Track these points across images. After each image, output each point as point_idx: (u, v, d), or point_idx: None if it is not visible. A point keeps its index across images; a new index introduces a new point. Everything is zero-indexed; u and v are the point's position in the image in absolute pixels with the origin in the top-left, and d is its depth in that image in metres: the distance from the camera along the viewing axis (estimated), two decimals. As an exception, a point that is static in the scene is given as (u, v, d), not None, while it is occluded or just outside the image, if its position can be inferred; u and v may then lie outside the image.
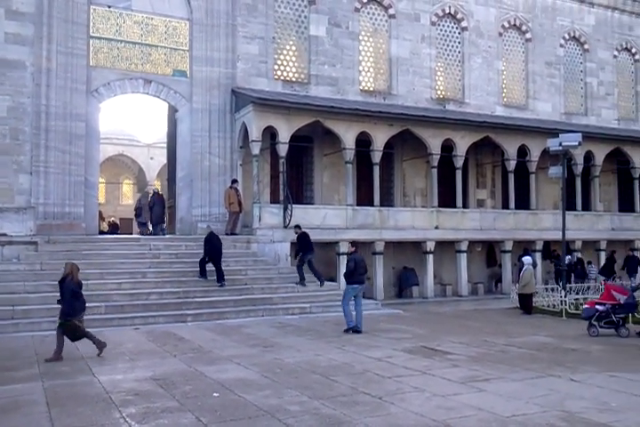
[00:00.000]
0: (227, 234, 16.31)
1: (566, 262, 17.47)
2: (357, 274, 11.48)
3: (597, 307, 11.11)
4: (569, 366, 8.35)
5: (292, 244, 16.30)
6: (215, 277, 14.16)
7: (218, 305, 13.42)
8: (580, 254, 21.29)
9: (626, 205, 24.21)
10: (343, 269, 17.14)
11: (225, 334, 11.16)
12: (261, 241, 16.30)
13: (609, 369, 8.11)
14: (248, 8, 18.40)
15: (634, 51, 26.48)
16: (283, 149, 16.85)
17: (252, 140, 16.59)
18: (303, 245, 15.20)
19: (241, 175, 17.82)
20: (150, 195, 19.29)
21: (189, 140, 17.67)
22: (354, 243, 12.62)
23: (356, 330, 11.32)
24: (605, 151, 22.35)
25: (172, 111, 18.59)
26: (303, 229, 15.43)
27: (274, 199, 17.88)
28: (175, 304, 13.04)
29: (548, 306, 15.07)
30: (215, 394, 6.76)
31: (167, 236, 17.55)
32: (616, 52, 25.99)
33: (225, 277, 14.16)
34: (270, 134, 17.33)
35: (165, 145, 22.47)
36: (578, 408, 6.15)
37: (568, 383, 7.33)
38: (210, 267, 14.25)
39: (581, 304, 13.95)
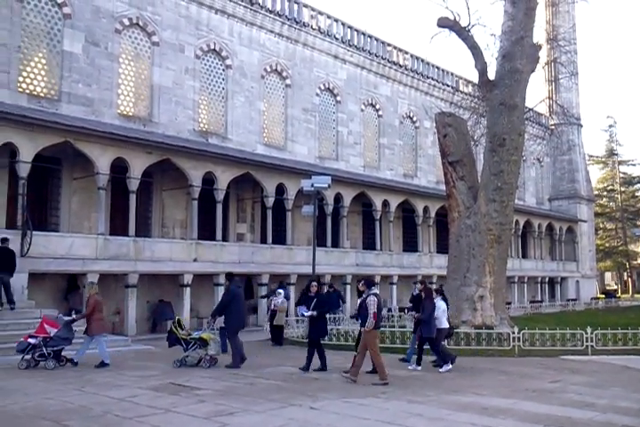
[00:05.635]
0: None
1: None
2: None
3: (30, 340, 10.96)
4: (310, 394, 8.58)
5: (30, 274, 14.57)
6: None
7: None
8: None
9: (369, 244, 26.70)
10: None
11: None
12: (-10, 271, 14.15)
13: (344, 396, 8.50)
14: (-11, 11, 16.49)
15: (378, 107, 29.87)
16: (24, 169, 15.14)
17: (-14, 157, 14.65)
18: None
19: (-31, 195, 15.56)
20: None
21: None
22: None
23: None
24: (352, 194, 24.51)
25: None
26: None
27: (11, 224, 15.80)
28: None
29: (298, 337, 15.55)
30: None
31: None
32: (363, 106, 29.04)
33: None
34: (10, 151, 15.46)
35: None
36: (313, 435, 6.26)
37: (307, 412, 7.49)
38: None
39: (334, 335, 14.63)
